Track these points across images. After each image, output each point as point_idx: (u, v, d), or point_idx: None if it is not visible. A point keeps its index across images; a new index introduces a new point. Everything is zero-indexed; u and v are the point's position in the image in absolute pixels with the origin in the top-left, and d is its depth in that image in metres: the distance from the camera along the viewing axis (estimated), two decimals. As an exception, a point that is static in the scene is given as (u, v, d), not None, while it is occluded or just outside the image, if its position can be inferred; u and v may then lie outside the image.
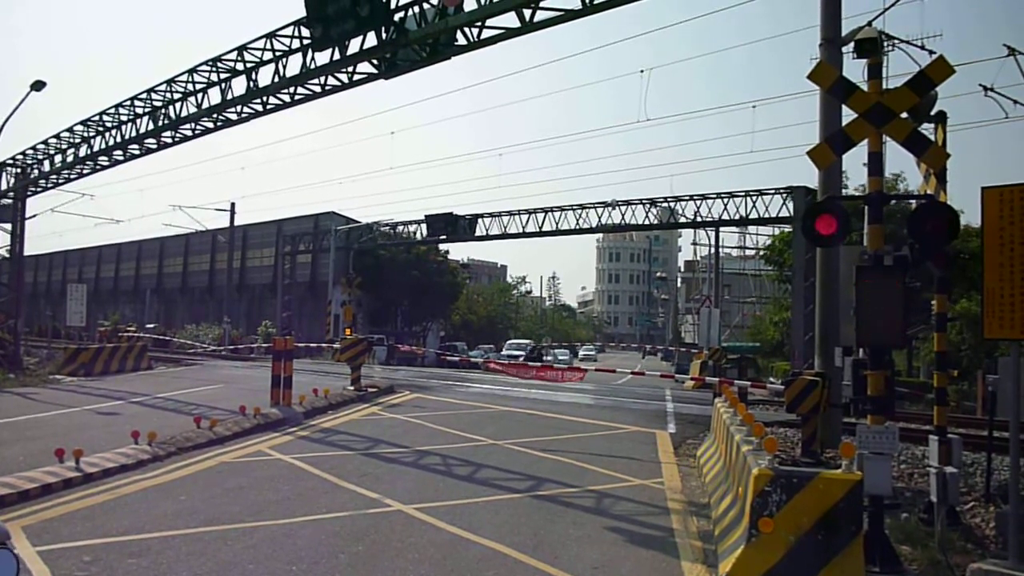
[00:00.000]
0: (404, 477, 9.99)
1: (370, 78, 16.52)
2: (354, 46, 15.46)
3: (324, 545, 6.91)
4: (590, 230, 37.33)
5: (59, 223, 63.63)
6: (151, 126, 21.76)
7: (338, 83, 17.07)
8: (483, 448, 12.28)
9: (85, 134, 24.47)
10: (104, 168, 25.83)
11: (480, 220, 39.08)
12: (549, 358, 51.52)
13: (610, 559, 6.85)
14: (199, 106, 20.03)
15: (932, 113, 8.76)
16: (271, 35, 17.44)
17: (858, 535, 5.81)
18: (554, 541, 7.30)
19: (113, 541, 6.82)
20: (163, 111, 21.21)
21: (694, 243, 61.08)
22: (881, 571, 6.17)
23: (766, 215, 31.11)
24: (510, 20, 13.76)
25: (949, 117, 9.02)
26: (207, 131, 21.37)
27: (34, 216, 30.32)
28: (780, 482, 5.92)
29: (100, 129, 23.73)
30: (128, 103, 22.13)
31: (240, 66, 18.53)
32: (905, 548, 7.13)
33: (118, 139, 23.12)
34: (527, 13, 13.38)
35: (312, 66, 16.74)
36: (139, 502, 8.28)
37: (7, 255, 26.66)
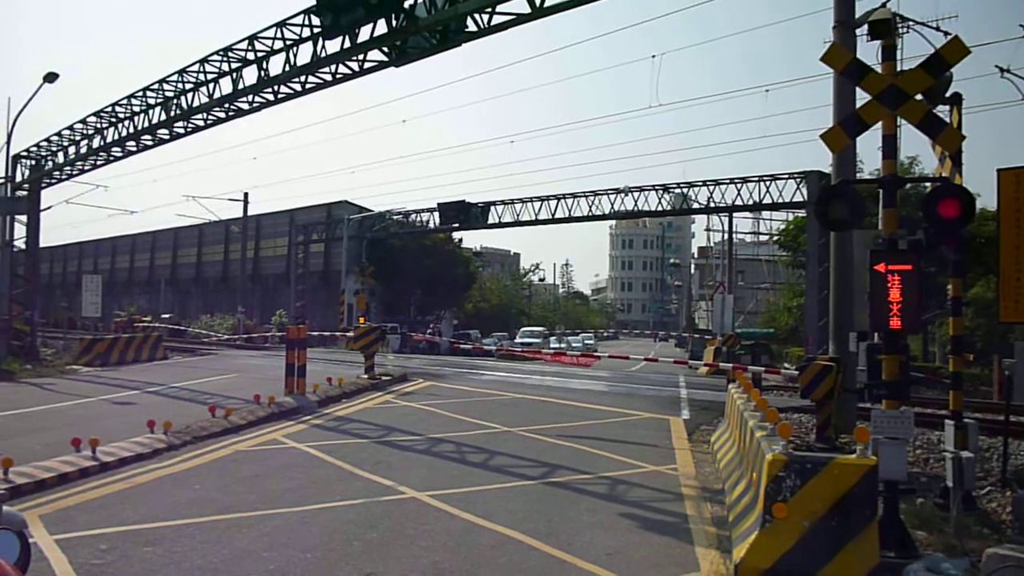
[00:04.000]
0: (418, 464, 10.03)
1: (381, 66, 16.46)
2: (364, 34, 15.39)
3: (338, 532, 6.95)
4: (603, 217, 37.25)
5: (74, 214, 64.30)
6: (163, 117, 21.79)
7: (349, 71, 17.01)
8: (497, 435, 12.30)
9: (98, 125, 24.53)
10: (117, 159, 25.91)
11: (492, 207, 39.04)
12: (562, 345, 51.53)
13: (624, 545, 6.85)
14: (211, 96, 20.04)
15: (947, 95, 8.63)
16: (281, 24, 17.39)
17: (873, 520, 5.79)
18: (568, 527, 7.31)
19: (129, 529, 6.89)
20: (175, 102, 21.24)
21: (707, 229, 60.75)
22: (896, 556, 6.14)
23: (780, 200, 30.96)
24: (520, 5, 13.64)
25: (965, 99, 8.90)
26: (219, 121, 21.39)
27: (49, 208, 30.54)
28: (794, 467, 5.90)
29: (113, 120, 23.79)
30: (140, 94, 22.17)
31: (251, 55, 18.50)
32: (921, 533, 7.09)
33: (131, 130, 23.18)
34: (537, -2, 13.27)
35: (323, 54, 16.68)
36: (155, 491, 8.36)
37: (23, 247, 26.77)
